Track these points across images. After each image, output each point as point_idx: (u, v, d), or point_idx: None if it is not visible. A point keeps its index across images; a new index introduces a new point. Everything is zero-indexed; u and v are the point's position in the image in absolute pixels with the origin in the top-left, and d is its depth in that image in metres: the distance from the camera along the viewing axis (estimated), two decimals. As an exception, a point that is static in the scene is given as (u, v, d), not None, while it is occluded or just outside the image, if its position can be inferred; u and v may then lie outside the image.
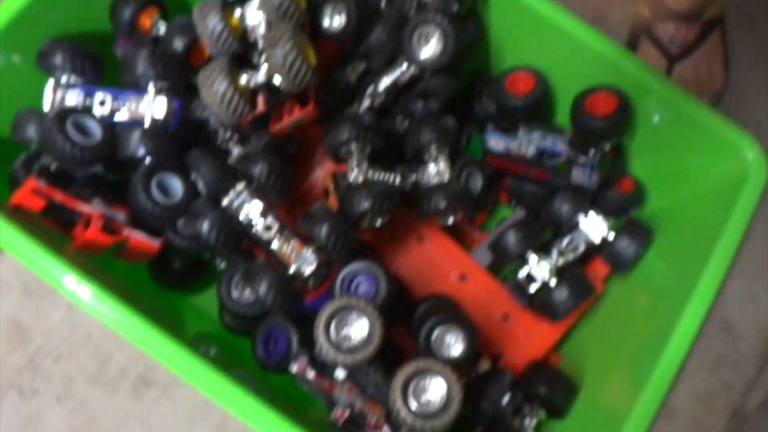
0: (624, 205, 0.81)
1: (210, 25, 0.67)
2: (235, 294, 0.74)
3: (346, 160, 0.72)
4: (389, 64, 0.76)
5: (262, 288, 0.63)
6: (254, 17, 0.70)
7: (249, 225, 0.69)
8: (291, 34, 0.64)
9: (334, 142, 0.70)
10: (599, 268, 0.80)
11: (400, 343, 0.77)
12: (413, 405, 0.60)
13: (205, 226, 0.66)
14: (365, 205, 0.67)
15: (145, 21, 0.76)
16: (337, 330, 0.61)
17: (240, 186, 0.69)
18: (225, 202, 0.69)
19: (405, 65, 0.75)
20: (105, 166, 0.72)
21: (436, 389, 0.60)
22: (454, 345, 0.68)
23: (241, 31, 0.71)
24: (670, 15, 1.01)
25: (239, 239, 0.69)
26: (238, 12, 0.71)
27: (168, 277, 0.80)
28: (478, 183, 0.80)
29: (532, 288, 0.75)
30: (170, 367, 0.58)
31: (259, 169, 0.68)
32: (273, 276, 0.64)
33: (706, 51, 1.03)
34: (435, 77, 0.74)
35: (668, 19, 1.01)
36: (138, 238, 0.68)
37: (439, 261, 0.79)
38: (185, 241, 0.71)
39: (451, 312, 0.69)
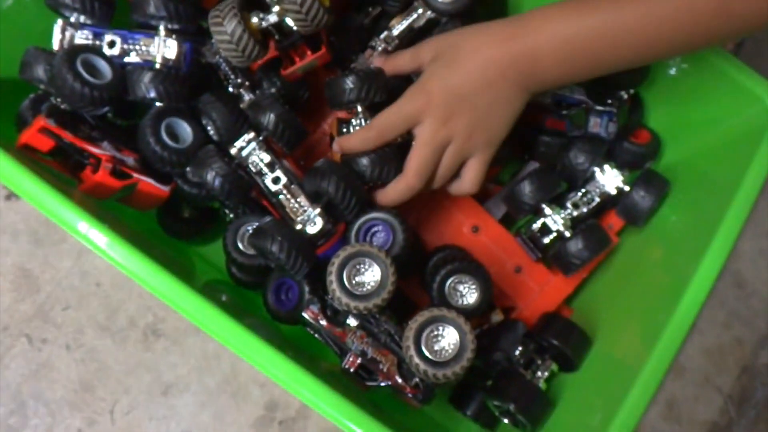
0: (640, 157, 0.80)
1: None
2: (241, 245, 0.72)
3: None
4: (405, 8, 0.74)
5: (275, 246, 0.62)
6: None
7: (257, 176, 0.68)
8: None
9: (336, 101, 0.68)
10: (614, 221, 0.79)
11: (413, 295, 0.76)
12: (426, 353, 0.59)
13: (210, 174, 0.65)
14: (364, 162, 0.65)
15: (154, -42, 0.74)
16: (349, 277, 0.60)
17: (248, 135, 0.68)
18: (233, 151, 0.68)
19: (421, 9, 0.73)
20: (114, 110, 0.70)
21: (449, 338, 0.59)
22: (468, 294, 0.67)
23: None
24: None
25: (246, 190, 0.67)
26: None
27: (177, 226, 0.79)
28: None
29: (546, 239, 0.74)
30: (182, 312, 0.57)
31: (267, 119, 0.66)
32: (285, 234, 0.62)
33: None
34: (452, 22, 0.72)
35: None
36: (147, 183, 0.67)
37: (452, 212, 0.78)
38: (194, 188, 0.70)
39: (465, 261, 0.68)
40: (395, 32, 0.75)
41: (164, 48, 0.66)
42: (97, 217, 0.58)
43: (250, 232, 0.71)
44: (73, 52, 0.62)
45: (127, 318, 0.81)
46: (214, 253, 0.80)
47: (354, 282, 0.60)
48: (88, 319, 0.80)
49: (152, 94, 0.65)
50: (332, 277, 0.59)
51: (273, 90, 0.72)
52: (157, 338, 0.81)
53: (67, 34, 0.67)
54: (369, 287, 0.60)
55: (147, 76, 0.64)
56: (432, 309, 0.60)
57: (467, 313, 0.65)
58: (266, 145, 0.69)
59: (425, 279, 0.72)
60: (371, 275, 0.60)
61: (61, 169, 0.65)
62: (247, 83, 0.73)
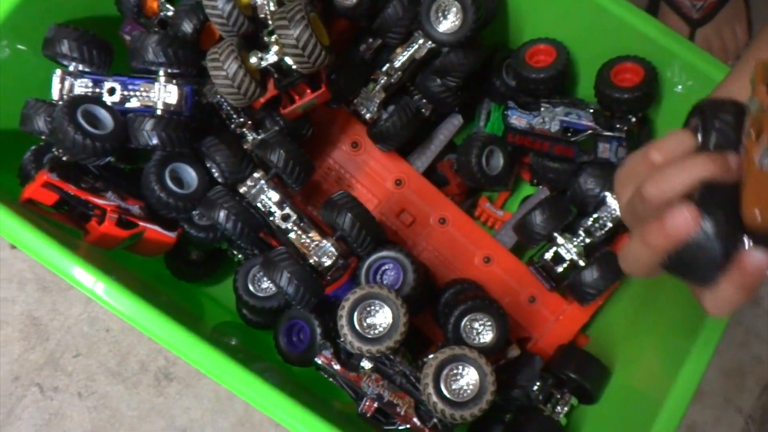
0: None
1: (219, 5, 0.64)
2: (252, 288, 0.72)
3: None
4: (406, 39, 0.73)
5: (283, 279, 0.61)
6: None
7: (267, 214, 0.67)
8: (303, 13, 0.61)
9: None
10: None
11: (425, 329, 0.75)
12: (445, 392, 0.58)
13: (222, 215, 0.65)
14: None
15: (152, 3, 0.73)
16: (360, 319, 0.59)
17: (257, 174, 0.67)
18: (242, 190, 0.67)
19: (422, 40, 0.72)
20: (117, 156, 0.70)
21: (468, 377, 0.58)
22: (484, 332, 0.66)
23: (250, 10, 0.68)
24: None
25: (256, 229, 0.67)
26: (246, -11, 0.68)
27: (185, 269, 0.78)
28: (499, 161, 0.78)
29: (560, 268, 0.73)
30: (191, 361, 0.57)
31: (276, 157, 0.66)
32: (294, 266, 0.62)
33: (729, 13, 1.00)
34: (453, 52, 0.71)
35: None
36: (153, 230, 0.66)
37: (463, 244, 0.77)
38: (202, 232, 0.69)
39: (479, 298, 0.67)
40: (397, 64, 0.74)
41: (165, 93, 0.66)
42: (102, 270, 0.58)
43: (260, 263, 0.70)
44: (73, 103, 0.62)
45: (138, 363, 0.80)
46: (224, 294, 0.79)
47: (365, 324, 0.59)
48: (99, 365, 0.80)
49: (155, 141, 0.64)
50: (343, 321, 0.59)
51: (276, 128, 0.71)
52: (169, 382, 0.80)
53: (67, 83, 0.66)
54: (381, 329, 0.59)
55: (149, 124, 0.64)
56: (453, 347, 0.59)
57: (484, 351, 0.64)
58: (274, 183, 0.68)
59: (438, 315, 0.71)
60: (383, 317, 0.59)
61: (66, 221, 0.65)
62: (249, 122, 0.73)
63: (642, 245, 0.41)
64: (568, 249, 0.73)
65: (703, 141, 0.42)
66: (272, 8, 0.67)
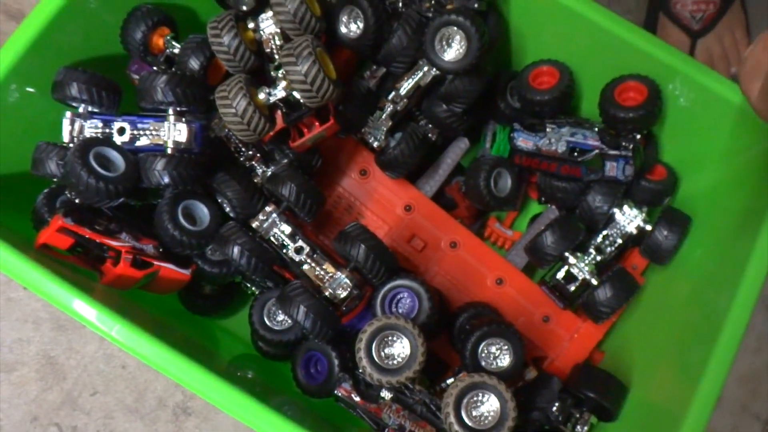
0: (658, 194, 0.79)
1: (226, 42, 0.65)
2: (268, 321, 0.72)
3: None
4: (410, 67, 0.74)
5: (300, 314, 0.61)
6: (269, 28, 0.68)
7: (280, 247, 0.68)
8: (311, 48, 0.61)
9: None
10: (638, 261, 0.78)
11: (442, 353, 0.76)
12: (466, 419, 0.58)
13: (236, 251, 0.65)
14: None
15: (158, 41, 0.74)
16: (379, 350, 0.59)
17: (269, 208, 0.68)
18: (254, 225, 0.68)
19: (426, 68, 0.73)
20: (129, 195, 0.70)
21: (489, 405, 0.59)
22: (501, 356, 0.66)
23: (256, 45, 0.69)
24: None
25: (270, 263, 0.67)
26: (251, 24, 0.69)
27: (199, 304, 0.79)
28: (507, 183, 0.78)
29: (572, 287, 0.73)
30: (209, 399, 0.57)
31: (288, 190, 0.66)
32: (310, 300, 0.62)
33: (729, 21, 1.00)
34: (459, 79, 0.72)
35: None
36: (168, 269, 0.66)
37: (475, 266, 0.77)
38: (215, 267, 0.70)
39: (495, 323, 0.67)
40: (403, 91, 0.74)
41: (174, 132, 0.66)
42: (119, 312, 0.58)
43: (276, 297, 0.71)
44: (84, 147, 0.62)
45: (156, 398, 0.80)
46: (239, 326, 0.79)
47: (383, 355, 0.59)
48: (116, 402, 0.80)
49: (166, 180, 0.64)
50: (362, 354, 0.59)
51: (286, 161, 0.71)
52: (187, 417, 0.80)
53: (77, 125, 0.66)
54: (400, 360, 0.59)
55: (160, 163, 0.64)
56: (472, 375, 0.59)
57: (502, 376, 0.64)
58: (286, 216, 0.69)
59: (454, 340, 0.72)
60: (401, 347, 0.60)
61: (81, 263, 0.65)
62: (258, 155, 0.73)
63: None
64: (580, 268, 0.74)
65: None
66: (278, 43, 0.68)
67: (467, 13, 0.67)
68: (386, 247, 0.66)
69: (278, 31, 0.68)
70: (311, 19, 0.66)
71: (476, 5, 0.70)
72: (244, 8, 0.75)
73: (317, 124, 0.69)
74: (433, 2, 0.71)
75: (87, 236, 0.62)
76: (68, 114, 0.66)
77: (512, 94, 0.81)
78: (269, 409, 0.57)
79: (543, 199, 0.84)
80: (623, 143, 0.73)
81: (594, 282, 0.73)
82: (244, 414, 0.57)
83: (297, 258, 0.68)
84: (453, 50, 0.69)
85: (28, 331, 0.82)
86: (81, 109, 0.67)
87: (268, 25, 0.69)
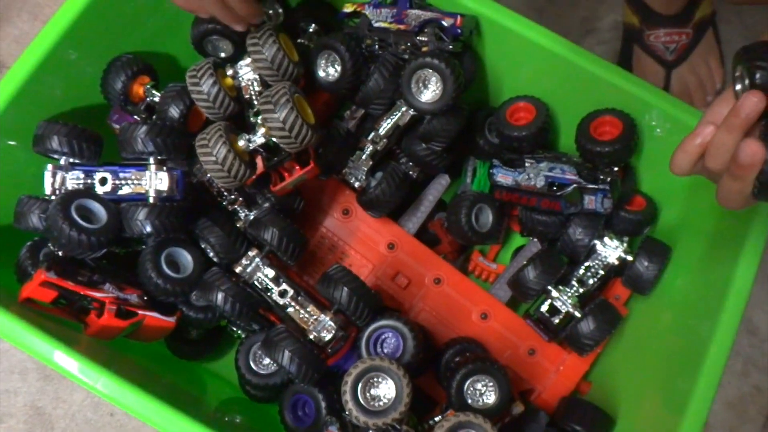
0: (638, 225, 0.80)
1: (205, 89, 0.66)
2: (254, 365, 0.73)
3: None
4: (389, 108, 0.75)
5: (284, 359, 0.62)
6: (247, 75, 0.70)
7: (264, 291, 0.68)
8: (288, 95, 0.62)
9: None
10: (620, 292, 0.79)
11: (429, 389, 0.76)
12: (453, 461, 0.58)
13: (219, 297, 0.65)
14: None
15: (138, 90, 0.75)
16: (364, 392, 0.59)
17: (252, 252, 0.68)
18: (238, 270, 0.68)
19: (404, 108, 0.74)
20: (112, 243, 0.70)
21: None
22: (487, 393, 0.66)
23: (235, 91, 0.70)
24: (660, 21, 1.00)
25: (254, 308, 0.68)
26: (230, 71, 0.70)
27: (186, 349, 0.79)
28: (488, 218, 0.79)
29: (556, 320, 0.74)
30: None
31: (270, 235, 0.67)
32: (294, 345, 0.62)
33: (702, 51, 1.02)
34: (436, 119, 0.73)
35: (658, 25, 1.01)
36: (153, 317, 0.66)
37: (459, 302, 0.78)
38: (200, 313, 0.70)
39: (480, 360, 0.67)
40: (382, 132, 0.75)
41: (156, 180, 0.67)
42: (103, 365, 0.58)
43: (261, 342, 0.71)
44: (65, 200, 0.62)
45: (144, 446, 0.80)
46: (226, 369, 0.79)
47: (369, 396, 0.60)
48: (105, 451, 0.79)
49: (148, 230, 0.65)
50: (347, 396, 0.59)
51: (267, 205, 0.72)
52: (176, 463, 0.79)
53: (58, 177, 0.67)
54: (385, 401, 0.60)
55: (142, 213, 0.65)
56: (458, 414, 0.59)
57: (488, 413, 0.65)
58: (269, 260, 0.69)
59: (440, 377, 0.72)
60: (386, 388, 0.60)
61: (65, 315, 0.65)
62: (240, 199, 0.74)
63: (732, 179, 0.49)
64: (563, 301, 0.74)
65: (750, 82, 0.49)
66: (257, 89, 0.69)
67: (442, 56, 0.68)
68: (369, 288, 0.66)
69: (257, 77, 0.69)
70: (288, 65, 0.67)
71: (451, 47, 0.71)
72: (223, 55, 0.77)
73: (298, 168, 0.70)
74: (409, 45, 0.72)
75: (70, 289, 0.63)
76: (50, 167, 0.67)
77: (490, 131, 0.82)
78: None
79: (525, 232, 0.84)
80: (601, 176, 0.74)
81: (577, 314, 0.73)
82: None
83: (281, 301, 0.68)
84: (429, 91, 0.70)
85: (15, 382, 0.81)
86: (62, 161, 0.67)
87: (246, 71, 0.70)
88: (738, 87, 0.51)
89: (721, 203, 0.53)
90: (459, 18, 0.69)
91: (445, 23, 0.70)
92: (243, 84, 0.70)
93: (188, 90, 0.68)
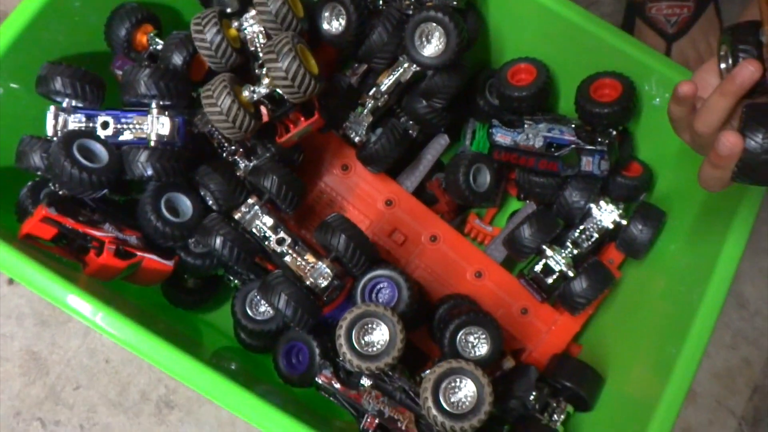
0: (634, 190, 0.81)
1: (208, 38, 0.66)
2: (250, 312, 0.73)
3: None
4: (391, 64, 0.75)
5: (281, 302, 0.63)
6: (252, 27, 0.70)
7: (262, 239, 0.69)
8: (291, 45, 0.63)
9: None
10: (614, 256, 0.80)
11: (422, 345, 0.77)
12: (444, 405, 0.59)
13: (218, 241, 0.66)
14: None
15: (141, 38, 0.75)
16: (358, 337, 0.60)
17: (251, 200, 0.69)
18: (237, 216, 0.69)
19: (407, 64, 0.75)
20: (112, 188, 0.71)
21: (466, 390, 0.60)
22: (479, 345, 0.67)
23: (239, 42, 0.70)
24: None
25: (252, 254, 0.68)
26: (235, 23, 0.70)
27: (182, 297, 0.79)
28: (486, 178, 0.80)
29: (550, 280, 0.75)
30: (193, 386, 0.58)
31: (270, 182, 0.67)
32: (291, 289, 0.63)
33: (703, 25, 1.03)
34: (438, 75, 0.73)
35: None
36: (151, 259, 0.67)
37: (454, 260, 0.78)
38: (198, 259, 0.70)
39: (473, 312, 0.68)
40: (383, 87, 0.76)
41: (157, 125, 0.67)
42: (102, 300, 0.59)
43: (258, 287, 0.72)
44: (68, 139, 0.63)
45: (139, 392, 0.81)
46: (222, 320, 0.80)
47: (363, 342, 0.60)
48: (99, 397, 0.80)
49: (149, 173, 0.65)
50: (342, 340, 0.60)
51: (268, 154, 0.72)
52: (170, 410, 0.80)
53: (60, 119, 0.67)
54: (379, 347, 0.60)
55: (143, 156, 0.65)
56: (450, 361, 0.60)
57: (480, 364, 0.65)
58: (268, 208, 0.70)
59: (434, 330, 0.73)
60: (380, 334, 0.61)
61: (65, 254, 0.66)
62: (241, 150, 0.74)
63: (712, 167, 0.51)
64: (556, 261, 0.75)
65: (733, 63, 0.52)
66: (262, 42, 0.69)
67: (446, 10, 0.68)
68: (366, 237, 0.67)
69: (262, 29, 0.70)
70: (293, 19, 0.67)
71: (455, 3, 0.72)
72: (228, 10, 0.77)
73: (302, 119, 0.70)
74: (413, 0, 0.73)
75: (70, 226, 0.63)
76: (52, 108, 0.67)
77: (491, 92, 0.83)
78: (252, 394, 0.58)
79: (522, 195, 0.85)
80: (599, 138, 0.75)
81: (570, 274, 0.74)
82: (228, 400, 0.58)
83: (278, 249, 0.69)
84: (432, 46, 0.71)
85: (11, 327, 0.82)
86: (65, 104, 0.68)
87: (251, 24, 0.70)
88: (722, 66, 0.53)
89: (702, 186, 0.55)
90: (463, -26, 0.70)
91: (449, -21, 0.70)
92: (248, 36, 0.70)
93: (192, 38, 0.68)
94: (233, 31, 0.70)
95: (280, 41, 0.63)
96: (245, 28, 0.70)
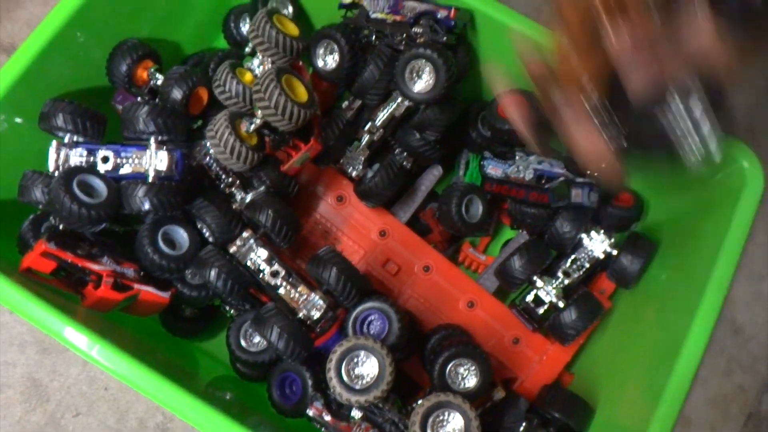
0: (625, 220, 0.82)
1: (228, 88, 0.69)
2: (244, 343, 0.75)
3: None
4: (384, 99, 0.77)
5: (273, 335, 0.64)
6: (260, 67, 0.72)
7: (256, 271, 0.70)
8: (274, 79, 0.65)
9: None
10: (605, 285, 0.81)
11: (414, 374, 0.78)
12: (432, 439, 0.60)
13: (213, 274, 0.67)
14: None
15: (142, 73, 0.77)
16: (348, 370, 0.61)
17: (246, 233, 0.70)
18: (232, 249, 0.70)
19: (400, 99, 0.76)
20: (112, 221, 0.73)
21: (454, 423, 0.60)
22: (469, 377, 0.68)
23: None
24: None
25: (247, 286, 0.70)
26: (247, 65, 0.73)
27: (179, 326, 0.81)
28: (479, 209, 0.81)
29: (540, 310, 0.76)
30: (185, 418, 0.59)
31: (265, 217, 0.69)
32: (283, 322, 0.65)
33: None
34: (430, 109, 0.75)
35: None
36: (148, 292, 0.69)
37: (447, 290, 0.80)
38: (194, 290, 0.72)
39: (463, 344, 0.69)
40: (378, 122, 0.78)
41: (155, 160, 0.69)
42: (99, 333, 0.60)
43: (251, 319, 0.73)
44: (68, 175, 0.65)
45: (137, 419, 0.82)
46: (219, 348, 0.81)
47: (353, 375, 0.61)
48: (98, 424, 0.82)
49: (147, 207, 0.67)
50: (331, 373, 0.61)
51: (263, 188, 0.74)
52: (167, 437, 0.82)
53: (62, 153, 0.69)
54: (368, 380, 0.61)
55: (141, 191, 0.67)
56: (438, 394, 0.61)
57: (469, 396, 0.66)
58: (263, 242, 0.71)
59: (425, 360, 0.74)
60: (370, 367, 0.62)
61: (64, 286, 0.67)
62: (237, 182, 0.76)
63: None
64: (547, 291, 0.76)
65: None
66: None
67: (435, 47, 0.70)
68: (357, 270, 0.68)
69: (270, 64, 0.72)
70: (286, 40, 0.69)
71: (445, 38, 0.73)
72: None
73: (302, 145, 0.72)
74: (404, 36, 0.75)
75: (69, 260, 0.65)
76: (54, 143, 0.69)
77: (483, 124, 0.84)
78: (245, 428, 0.59)
79: (514, 224, 0.86)
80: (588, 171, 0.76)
81: (561, 305, 0.75)
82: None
83: (273, 282, 0.70)
84: (423, 81, 0.72)
85: (14, 354, 0.84)
86: (66, 139, 0.70)
87: (257, 64, 0.72)
88: None
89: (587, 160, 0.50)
90: (453, 10, 0.71)
91: (439, 15, 0.72)
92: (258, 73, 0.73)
93: (213, 88, 0.71)
94: (249, 75, 0.72)
95: (266, 77, 0.66)
96: (255, 70, 0.73)
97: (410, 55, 0.71)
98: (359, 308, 0.69)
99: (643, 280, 0.79)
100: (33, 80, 0.71)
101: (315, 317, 0.68)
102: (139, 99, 0.77)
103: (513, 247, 0.82)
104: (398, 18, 0.74)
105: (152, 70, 0.77)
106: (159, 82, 0.77)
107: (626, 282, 0.78)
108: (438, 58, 0.70)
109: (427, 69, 0.72)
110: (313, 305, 0.68)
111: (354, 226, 0.81)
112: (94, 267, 0.66)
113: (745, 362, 0.97)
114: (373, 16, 0.76)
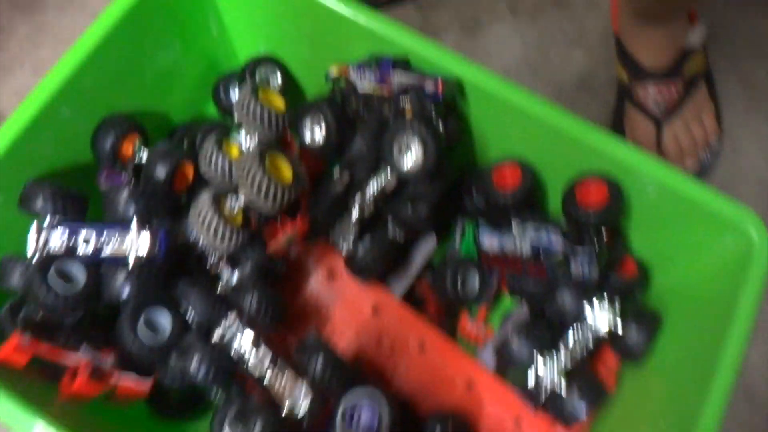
0: (629, 289, 0.79)
1: (218, 167, 0.68)
2: None
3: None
4: (374, 171, 0.75)
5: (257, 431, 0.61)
6: (246, 142, 0.71)
7: (241, 358, 0.67)
8: (257, 162, 0.64)
9: None
10: (610, 361, 0.77)
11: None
12: None
13: (194, 363, 0.65)
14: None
15: (127, 148, 0.75)
16: (339, 471, 0.58)
17: (230, 318, 0.68)
18: (215, 336, 0.67)
19: (389, 172, 0.74)
20: (92, 307, 0.70)
21: None
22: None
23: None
24: (648, 75, 1.00)
25: (231, 374, 0.67)
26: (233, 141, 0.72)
27: (166, 409, 0.78)
28: (475, 283, 0.79)
29: (542, 395, 0.72)
30: None
31: (249, 300, 0.67)
32: (267, 418, 0.61)
33: (694, 107, 1.01)
34: (421, 183, 0.73)
35: (646, 80, 1.00)
36: (126, 383, 0.66)
37: (443, 370, 0.76)
38: (175, 379, 0.69)
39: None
40: (368, 195, 0.75)
41: (137, 244, 0.66)
42: (74, 428, 0.58)
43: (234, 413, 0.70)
44: (45, 264, 0.63)
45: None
46: (206, 429, 0.78)
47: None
48: None
49: (125, 296, 0.65)
50: (321, 473, 0.58)
51: (248, 270, 0.72)
52: None
53: (42, 236, 0.67)
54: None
55: (120, 277, 0.65)
56: None
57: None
58: (249, 326, 0.68)
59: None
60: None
61: (39, 376, 0.65)
62: (224, 260, 0.74)
63: None
64: (549, 371, 0.73)
65: None
66: None
67: (422, 121, 0.68)
68: (343, 362, 0.65)
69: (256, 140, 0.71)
70: (271, 116, 0.69)
71: (433, 111, 0.71)
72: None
73: (289, 224, 0.70)
74: (392, 108, 0.73)
75: (44, 352, 0.62)
76: (34, 226, 0.67)
77: (478, 193, 0.82)
78: None
79: (513, 295, 0.83)
80: (588, 239, 0.74)
81: (563, 387, 0.71)
82: None
83: (257, 371, 0.67)
84: (412, 154, 0.70)
85: None
86: (47, 221, 0.68)
87: (244, 136, 0.71)
88: None
89: None
90: (440, 84, 0.69)
91: (426, 90, 0.70)
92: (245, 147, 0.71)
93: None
94: (235, 149, 0.70)
95: (247, 159, 0.64)
96: (243, 145, 0.71)
97: (397, 129, 0.69)
98: (347, 400, 0.65)
99: (650, 354, 0.76)
100: (16, 158, 0.69)
101: (301, 410, 0.65)
102: (123, 177, 0.74)
103: (512, 322, 0.79)
104: (386, 90, 0.72)
105: (137, 144, 0.76)
106: (144, 157, 0.75)
107: (633, 356, 0.74)
108: (426, 133, 0.68)
109: (415, 144, 0.69)
110: (299, 397, 0.65)
111: (345, 302, 0.78)
112: (70, 359, 0.64)
113: (759, 429, 0.93)
114: (361, 88, 0.74)
